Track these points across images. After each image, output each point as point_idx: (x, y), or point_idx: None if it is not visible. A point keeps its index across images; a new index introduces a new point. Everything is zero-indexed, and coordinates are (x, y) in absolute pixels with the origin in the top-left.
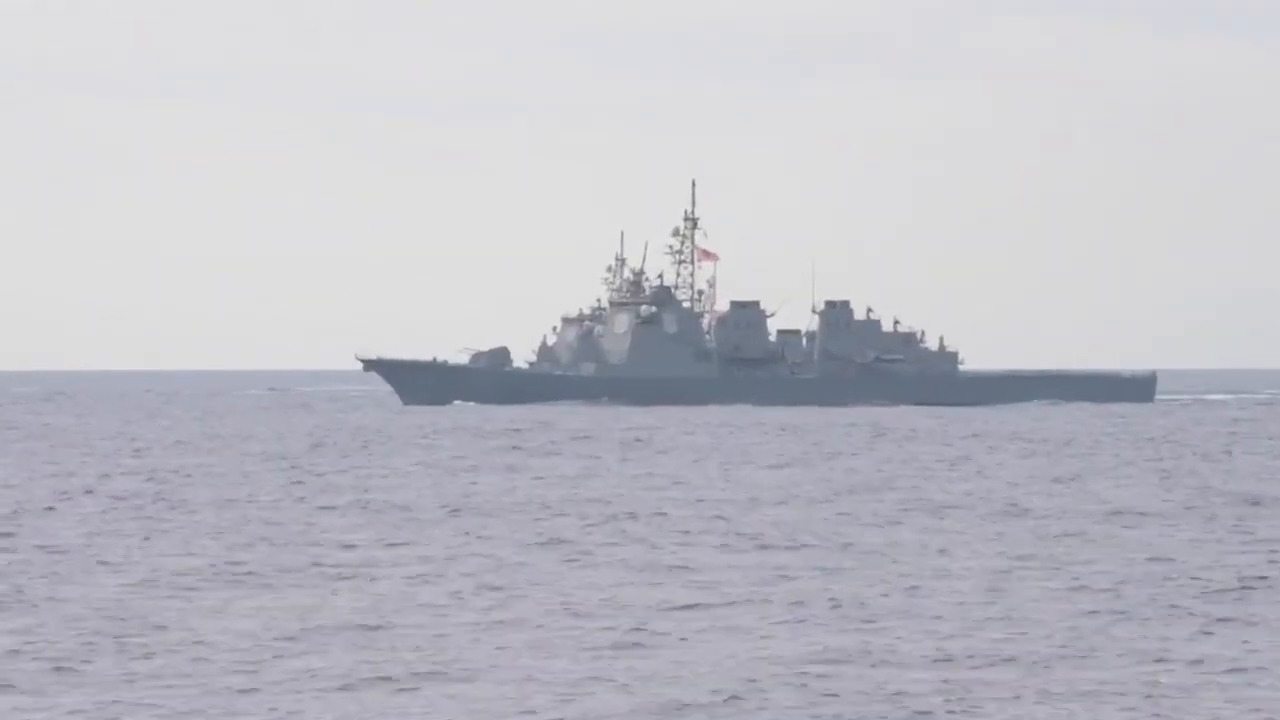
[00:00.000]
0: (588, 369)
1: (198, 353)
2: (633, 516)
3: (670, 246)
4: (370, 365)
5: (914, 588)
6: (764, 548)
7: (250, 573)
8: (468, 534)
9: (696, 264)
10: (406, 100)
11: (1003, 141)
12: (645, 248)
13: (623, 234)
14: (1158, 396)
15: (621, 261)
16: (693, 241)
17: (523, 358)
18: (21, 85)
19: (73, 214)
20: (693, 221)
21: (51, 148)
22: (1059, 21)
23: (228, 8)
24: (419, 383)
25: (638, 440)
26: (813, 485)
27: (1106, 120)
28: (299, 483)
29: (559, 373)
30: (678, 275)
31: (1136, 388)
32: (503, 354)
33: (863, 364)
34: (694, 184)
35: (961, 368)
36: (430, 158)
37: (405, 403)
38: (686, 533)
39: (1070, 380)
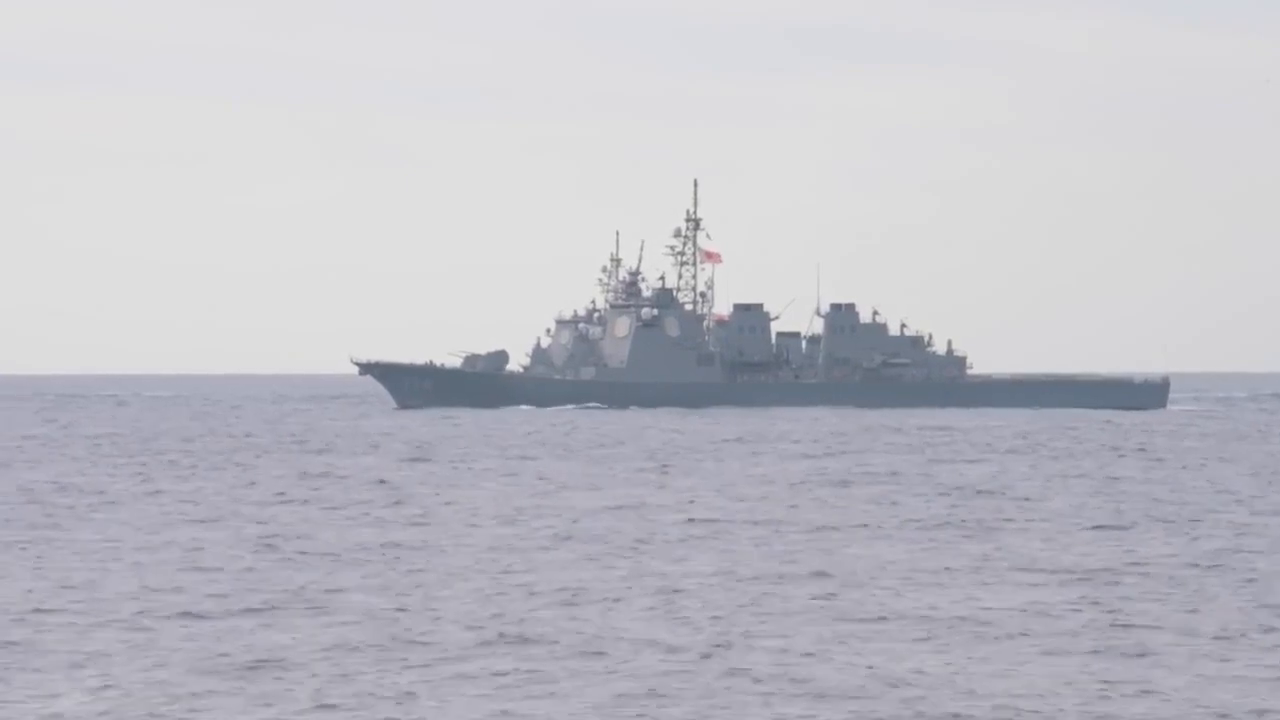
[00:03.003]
0: (587, 373)
1: (191, 357)
2: None
3: (671, 247)
4: (366, 369)
5: None
6: None
7: None
8: None
9: (699, 265)
10: (400, 98)
11: (1015, 142)
12: (641, 248)
13: (618, 234)
14: (1170, 402)
15: (617, 262)
16: (695, 243)
17: (515, 360)
18: None
19: (52, 217)
20: (695, 222)
21: (29, 147)
22: (1074, 21)
23: (223, 6)
24: (415, 387)
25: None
26: None
27: (1124, 118)
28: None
29: (557, 376)
30: (679, 277)
31: (1149, 394)
32: (501, 357)
33: (869, 368)
34: (696, 183)
35: (970, 372)
36: (422, 155)
37: (400, 407)
38: None
39: (1081, 385)
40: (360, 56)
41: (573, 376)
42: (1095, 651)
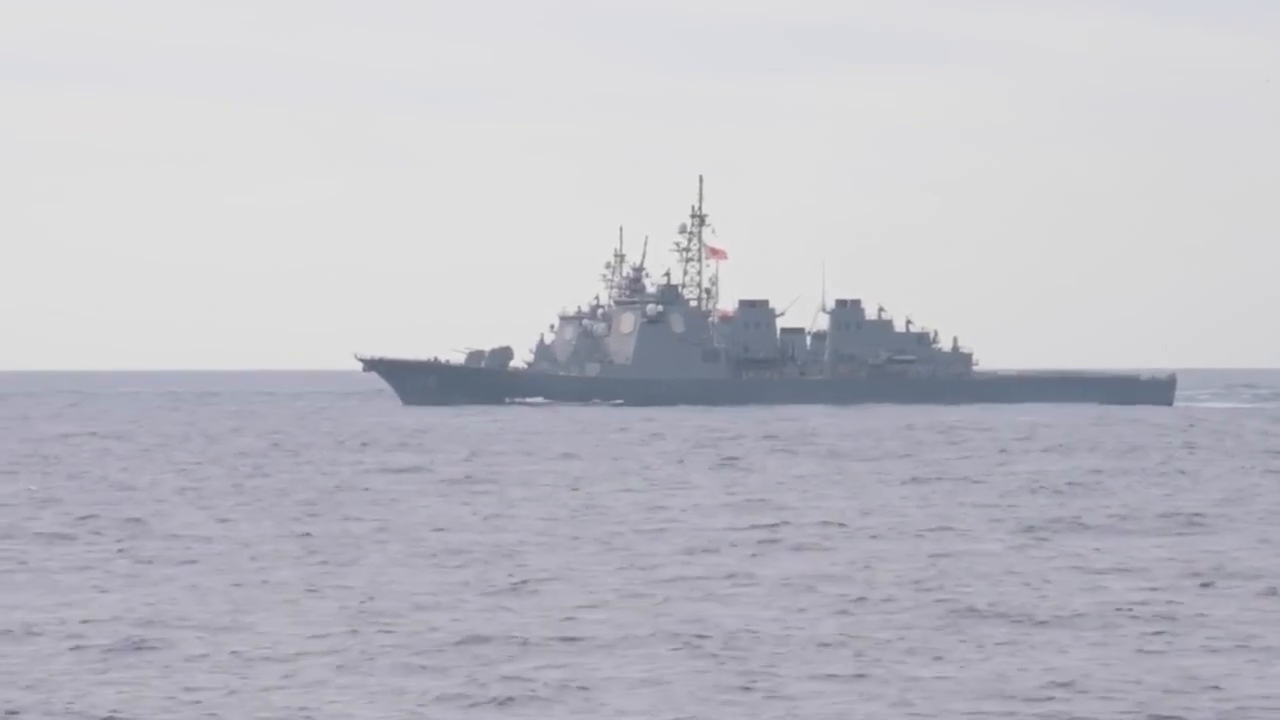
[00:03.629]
0: (592, 369)
1: (192, 356)
2: None
3: (677, 244)
4: (370, 365)
5: None
6: None
7: None
8: None
9: (704, 262)
10: (400, 98)
11: (1015, 142)
12: (645, 244)
13: (622, 229)
14: (1177, 399)
15: (621, 258)
16: (700, 239)
17: (519, 357)
18: None
19: (52, 217)
20: (700, 218)
21: (29, 147)
22: (1074, 21)
23: (223, 6)
24: (419, 383)
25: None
26: None
27: (1125, 117)
28: None
29: (563, 373)
30: (684, 273)
31: (1156, 390)
32: (506, 353)
33: (874, 365)
34: (701, 179)
35: (976, 368)
36: (422, 155)
37: (405, 403)
38: None
39: (1087, 382)
40: (360, 56)
41: (577, 373)
42: (1214, 650)
